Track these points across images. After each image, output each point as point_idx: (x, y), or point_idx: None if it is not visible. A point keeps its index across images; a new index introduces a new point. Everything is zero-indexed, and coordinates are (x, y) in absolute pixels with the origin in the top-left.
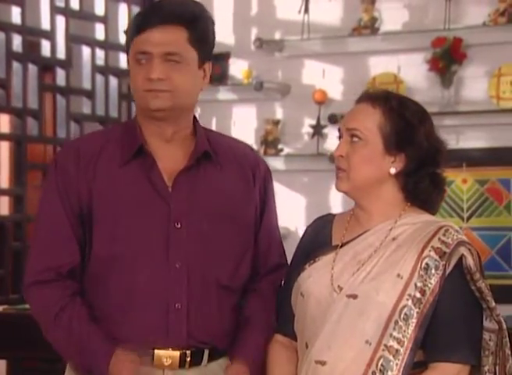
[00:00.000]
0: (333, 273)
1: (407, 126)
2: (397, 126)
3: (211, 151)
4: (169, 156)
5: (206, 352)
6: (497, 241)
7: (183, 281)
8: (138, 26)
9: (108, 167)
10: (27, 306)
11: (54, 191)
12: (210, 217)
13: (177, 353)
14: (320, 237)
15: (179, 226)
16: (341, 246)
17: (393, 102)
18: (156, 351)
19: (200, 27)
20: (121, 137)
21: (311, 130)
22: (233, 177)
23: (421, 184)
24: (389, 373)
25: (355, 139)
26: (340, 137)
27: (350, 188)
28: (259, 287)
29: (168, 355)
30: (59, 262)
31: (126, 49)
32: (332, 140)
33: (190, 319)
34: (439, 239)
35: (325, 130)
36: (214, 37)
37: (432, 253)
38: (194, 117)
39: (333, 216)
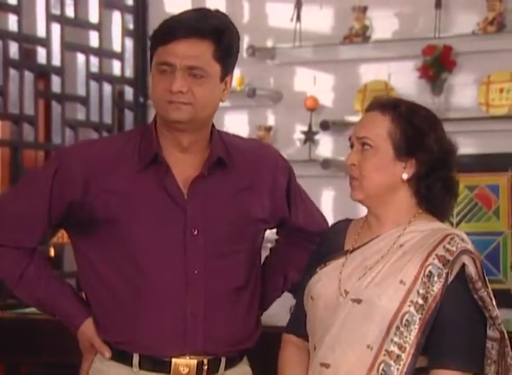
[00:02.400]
0: (341, 278)
1: (416, 131)
2: (406, 131)
3: (226, 157)
4: (185, 164)
5: (223, 360)
6: (486, 245)
7: (200, 287)
8: (164, 36)
9: (125, 172)
10: (26, 311)
11: (48, 181)
12: (225, 223)
13: (194, 361)
14: (334, 242)
15: (196, 232)
16: (351, 251)
17: (402, 109)
18: (173, 359)
19: (225, 41)
20: (140, 142)
21: (302, 137)
22: (248, 183)
23: (434, 188)
24: None
25: (366, 147)
26: (352, 147)
27: (365, 197)
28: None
29: (185, 364)
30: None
31: (150, 56)
32: (323, 146)
33: (207, 325)
34: (444, 247)
35: (317, 137)
36: (238, 51)
37: (436, 261)
38: (213, 125)
39: (350, 221)
